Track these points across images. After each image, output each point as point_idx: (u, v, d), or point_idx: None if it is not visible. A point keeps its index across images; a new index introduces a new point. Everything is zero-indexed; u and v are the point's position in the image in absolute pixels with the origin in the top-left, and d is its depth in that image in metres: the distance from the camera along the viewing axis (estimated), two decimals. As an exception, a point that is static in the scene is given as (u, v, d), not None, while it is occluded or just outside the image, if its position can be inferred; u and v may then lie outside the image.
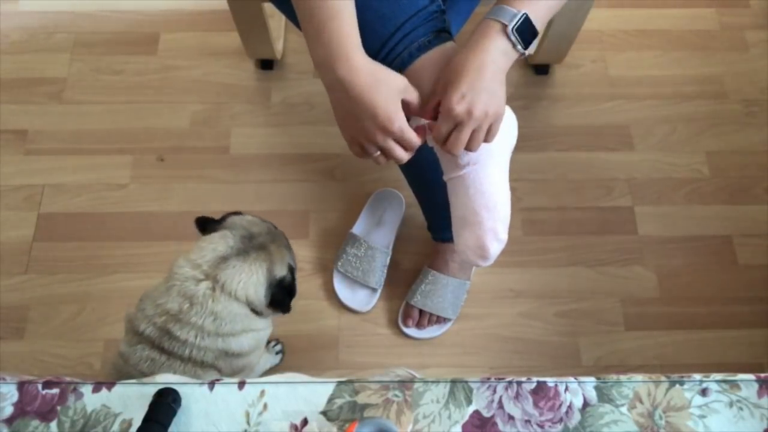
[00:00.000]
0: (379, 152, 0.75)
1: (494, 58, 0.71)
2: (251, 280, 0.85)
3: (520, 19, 0.71)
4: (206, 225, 0.90)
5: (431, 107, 0.75)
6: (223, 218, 0.92)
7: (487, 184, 0.78)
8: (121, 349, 0.88)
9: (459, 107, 0.70)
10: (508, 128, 0.81)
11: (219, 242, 0.86)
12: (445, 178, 0.82)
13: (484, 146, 0.76)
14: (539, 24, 0.73)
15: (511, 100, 0.75)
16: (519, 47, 0.72)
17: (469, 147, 0.74)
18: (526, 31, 0.72)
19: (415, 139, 0.74)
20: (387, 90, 0.71)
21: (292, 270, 0.92)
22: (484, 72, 0.71)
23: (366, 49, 0.73)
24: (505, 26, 0.71)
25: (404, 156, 0.75)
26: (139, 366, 0.84)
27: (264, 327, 0.93)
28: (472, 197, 0.78)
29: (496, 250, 0.80)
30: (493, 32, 0.71)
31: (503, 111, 0.74)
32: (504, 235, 0.80)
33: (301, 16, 0.73)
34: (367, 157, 0.77)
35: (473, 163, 0.78)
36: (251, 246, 0.87)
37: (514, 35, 0.71)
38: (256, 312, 0.88)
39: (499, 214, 0.79)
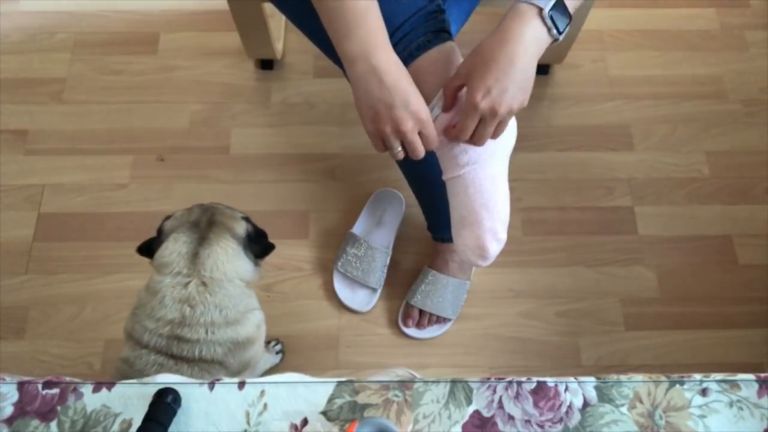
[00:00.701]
0: (400, 147, 0.76)
1: (527, 48, 0.68)
2: (229, 255, 0.86)
3: (555, 0, 0.68)
4: (150, 246, 0.90)
5: (453, 89, 0.74)
6: (159, 230, 0.91)
7: (487, 183, 0.78)
8: (123, 356, 0.88)
9: (483, 104, 0.69)
10: (509, 129, 0.81)
11: (177, 246, 0.86)
12: (444, 177, 0.82)
13: (493, 151, 0.77)
14: (571, 7, 0.70)
15: (511, 100, 0.75)
16: (554, 32, 0.69)
17: (493, 137, 0.74)
18: (560, 14, 0.68)
19: (434, 135, 0.75)
20: (413, 83, 0.73)
21: (246, 219, 0.93)
22: (516, 64, 0.68)
23: None
24: (540, 9, 0.67)
25: (423, 152, 0.76)
26: (145, 371, 0.84)
27: (258, 306, 0.95)
28: (471, 197, 0.78)
29: (495, 250, 0.80)
30: (527, 16, 0.68)
31: (527, 102, 0.73)
32: (503, 235, 0.80)
33: (329, 14, 0.73)
34: (386, 151, 0.78)
35: (473, 163, 0.78)
36: (204, 230, 0.87)
37: (549, 19, 0.67)
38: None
39: (498, 214, 0.79)
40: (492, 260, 0.81)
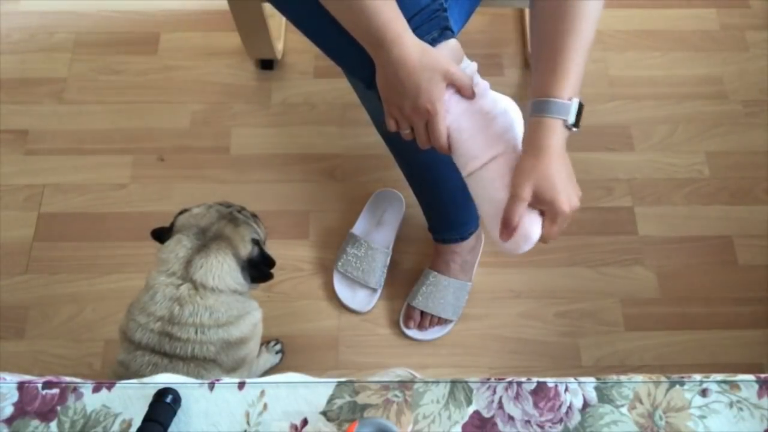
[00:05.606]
0: (408, 130, 0.81)
1: (564, 153, 0.75)
2: (223, 270, 0.86)
3: (576, 109, 0.74)
4: (161, 235, 0.91)
5: (515, 212, 0.75)
6: (172, 223, 0.92)
7: (511, 176, 0.76)
8: (119, 359, 0.88)
9: (567, 208, 0.74)
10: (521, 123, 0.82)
11: (176, 248, 0.87)
12: (464, 174, 0.80)
13: (512, 138, 0.78)
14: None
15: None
16: (574, 129, 0.75)
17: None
18: (579, 113, 0.74)
19: (441, 131, 0.77)
20: (431, 74, 0.75)
21: (257, 242, 0.93)
22: (566, 169, 0.75)
23: None
24: (565, 121, 0.73)
25: (427, 143, 0.80)
26: (141, 372, 0.85)
27: (256, 306, 0.95)
28: (498, 189, 0.76)
29: (536, 232, 0.77)
30: (558, 130, 0.74)
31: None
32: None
33: (343, 12, 0.76)
34: (396, 130, 0.83)
35: (495, 156, 0.77)
36: (207, 239, 0.88)
37: (573, 125, 0.74)
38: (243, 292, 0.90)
39: None
40: (533, 243, 0.78)
